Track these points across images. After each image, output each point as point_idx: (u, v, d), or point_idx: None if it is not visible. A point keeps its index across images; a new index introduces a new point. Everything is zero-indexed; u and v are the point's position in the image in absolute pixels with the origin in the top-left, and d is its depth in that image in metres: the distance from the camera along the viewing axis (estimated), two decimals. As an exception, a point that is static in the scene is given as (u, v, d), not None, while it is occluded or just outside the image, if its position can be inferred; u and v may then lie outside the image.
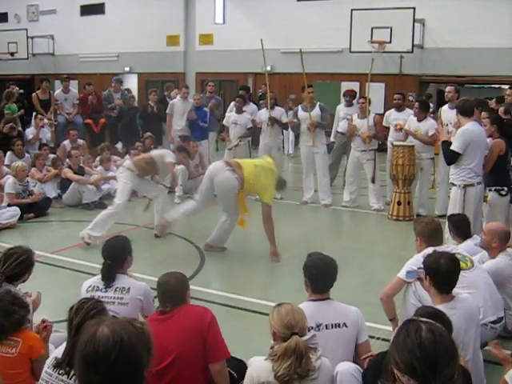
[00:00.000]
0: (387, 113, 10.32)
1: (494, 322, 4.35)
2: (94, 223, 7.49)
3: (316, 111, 9.88)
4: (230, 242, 7.87)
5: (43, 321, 3.63)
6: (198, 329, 3.32)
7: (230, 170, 6.95)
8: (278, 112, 10.59)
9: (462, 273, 3.93)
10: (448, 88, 9.01)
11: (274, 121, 10.30)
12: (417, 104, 9.40)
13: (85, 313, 2.98)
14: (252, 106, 11.58)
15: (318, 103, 10.00)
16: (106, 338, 1.97)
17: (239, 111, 10.69)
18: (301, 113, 10.02)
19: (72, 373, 2.86)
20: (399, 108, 9.98)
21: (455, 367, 2.18)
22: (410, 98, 16.30)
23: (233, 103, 11.26)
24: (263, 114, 10.57)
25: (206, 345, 3.31)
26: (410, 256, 4.69)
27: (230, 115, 10.77)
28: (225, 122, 10.82)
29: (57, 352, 3.05)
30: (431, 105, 13.47)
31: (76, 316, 2.98)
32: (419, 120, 9.18)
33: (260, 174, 7.02)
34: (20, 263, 3.97)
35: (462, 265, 4.22)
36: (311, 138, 9.90)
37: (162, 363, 3.24)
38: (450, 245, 4.94)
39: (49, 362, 3.01)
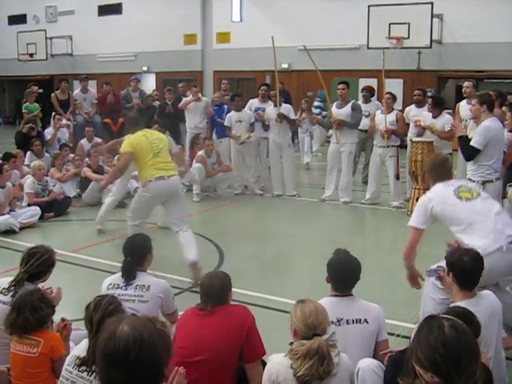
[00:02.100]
0: (407, 109, 10.23)
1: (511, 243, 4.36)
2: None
3: (347, 109, 9.75)
4: (248, 239, 7.89)
5: (63, 319, 3.66)
6: (238, 334, 3.34)
7: None
8: (286, 109, 10.48)
9: (466, 203, 4.45)
10: (466, 83, 8.91)
11: (282, 117, 10.24)
12: (430, 100, 9.31)
13: (104, 309, 3.00)
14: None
15: (352, 101, 9.88)
16: (126, 335, 1.99)
17: (239, 109, 10.62)
18: (334, 109, 9.92)
19: (93, 369, 2.87)
20: (419, 104, 9.86)
21: (478, 365, 2.17)
22: (429, 93, 16.18)
23: (252, 100, 11.14)
24: (271, 112, 10.48)
25: (243, 348, 3.34)
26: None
27: (232, 115, 10.65)
28: (226, 122, 10.64)
29: (77, 350, 3.06)
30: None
31: (95, 313, 3.00)
32: (434, 116, 9.11)
33: None
34: (42, 262, 3.99)
35: (467, 195, 4.55)
36: (335, 135, 9.86)
37: (194, 358, 3.26)
38: (453, 181, 4.93)
39: (69, 359, 3.03)
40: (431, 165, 4.93)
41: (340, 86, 9.83)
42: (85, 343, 3.03)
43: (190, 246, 6.22)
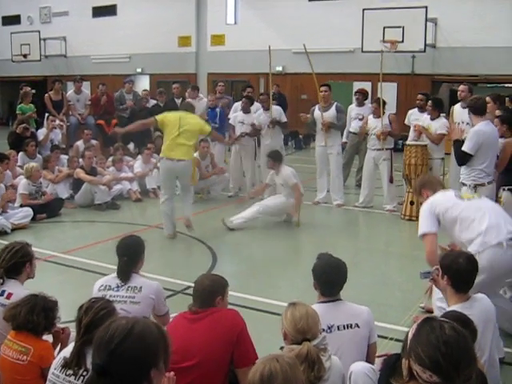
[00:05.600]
0: (410, 112, 10.30)
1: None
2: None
3: (332, 111, 9.75)
4: (241, 242, 7.88)
5: (62, 329, 3.62)
6: (228, 339, 3.29)
7: None
8: (277, 111, 10.45)
9: (468, 202, 4.66)
10: (461, 87, 8.93)
11: (275, 123, 10.24)
12: (430, 102, 9.32)
13: (94, 312, 2.96)
14: (256, 105, 11.55)
15: (335, 103, 9.85)
16: (117, 325, 2.05)
17: (246, 111, 10.63)
18: (317, 112, 9.88)
19: (80, 373, 2.84)
20: (422, 108, 9.90)
21: (474, 368, 2.20)
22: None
23: (237, 103, 11.26)
24: (262, 116, 10.42)
25: (234, 353, 3.29)
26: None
27: (237, 115, 10.69)
28: (231, 121, 10.75)
29: (65, 352, 3.01)
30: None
31: (85, 316, 2.96)
32: (432, 118, 9.14)
33: None
34: (14, 254, 3.94)
35: (468, 196, 4.94)
36: (324, 137, 9.85)
37: (184, 363, 3.20)
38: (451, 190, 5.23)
39: (56, 362, 2.97)
40: (423, 181, 5.32)
41: (322, 89, 9.82)
42: (71, 346, 2.99)
43: (185, 206, 7.99)
